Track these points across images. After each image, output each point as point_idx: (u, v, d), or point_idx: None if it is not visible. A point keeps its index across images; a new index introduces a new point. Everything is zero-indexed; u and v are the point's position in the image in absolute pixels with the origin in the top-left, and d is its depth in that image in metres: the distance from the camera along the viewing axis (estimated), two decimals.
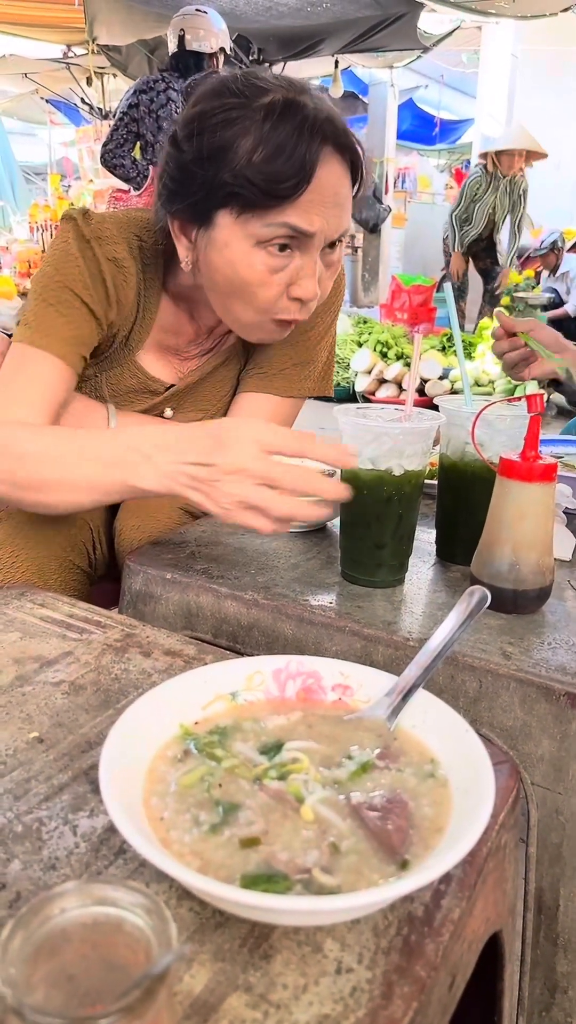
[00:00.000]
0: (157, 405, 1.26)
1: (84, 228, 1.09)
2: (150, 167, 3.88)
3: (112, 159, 4.08)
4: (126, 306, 1.14)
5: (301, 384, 1.29)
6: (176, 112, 3.81)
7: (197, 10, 3.88)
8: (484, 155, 6.79)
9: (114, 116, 4.15)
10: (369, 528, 0.94)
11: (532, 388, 5.97)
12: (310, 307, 1.06)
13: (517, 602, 0.89)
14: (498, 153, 6.49)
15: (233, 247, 1.00)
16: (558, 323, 7.39)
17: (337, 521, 1.01)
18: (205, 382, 1.28)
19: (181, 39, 3.82)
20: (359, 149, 1.03)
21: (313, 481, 0.86)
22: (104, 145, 4.04)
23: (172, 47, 3.89)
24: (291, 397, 1.29)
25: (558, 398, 5.92)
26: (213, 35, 3.84)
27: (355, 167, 1.03)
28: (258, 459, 0.84)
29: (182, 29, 3.81)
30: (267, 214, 0.96)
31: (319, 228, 0.99)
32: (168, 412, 1.28)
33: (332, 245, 1.04)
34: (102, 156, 4.11)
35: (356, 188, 1.05)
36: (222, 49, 3.92)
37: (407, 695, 0.62)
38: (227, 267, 1.02)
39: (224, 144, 0.96)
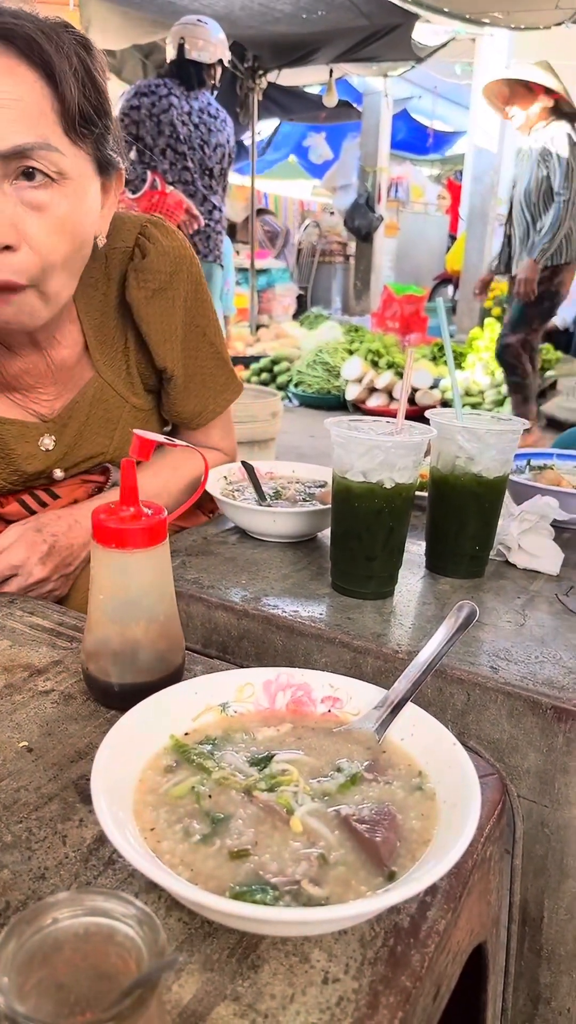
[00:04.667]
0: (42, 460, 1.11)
1: None
2: (148, 171, 3.88)
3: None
4: None
5: (221, 398, 1.27)
6: (177, 118, 3.82)
7: (198, 20, 3.90)
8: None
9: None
10: (359, 540, 0.95)
11: (508, 409, 5.89)
12: (4, 262, 0.85)
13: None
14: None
15: None
16: (549, 335, 7.44)
17: (328, 532, 1.02)
18: (86, 425, 1.14)
19: (181, 48, 3.83)
20: (29, 33, 0.81)
21: None
22: None
23: (171, 54, 3.90)
24: (222, 413, 1.29)
25: (548, 409, 5.95)
26: (213, 46, 3.86)
27: (41, 62, 0.82)
28: None
29: (182, 38, 3.83)
30: None
31: None
32: (58, 473, 1.14)
33: (30, 176, 0.84)
34: None
35: (56, 89, 0.83)
36: (220, 60, 3.94)
37: (396, 708, 0.63)
38: None
39: None
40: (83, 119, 0.87)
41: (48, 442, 1.11)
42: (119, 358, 1.14)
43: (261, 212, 8.46)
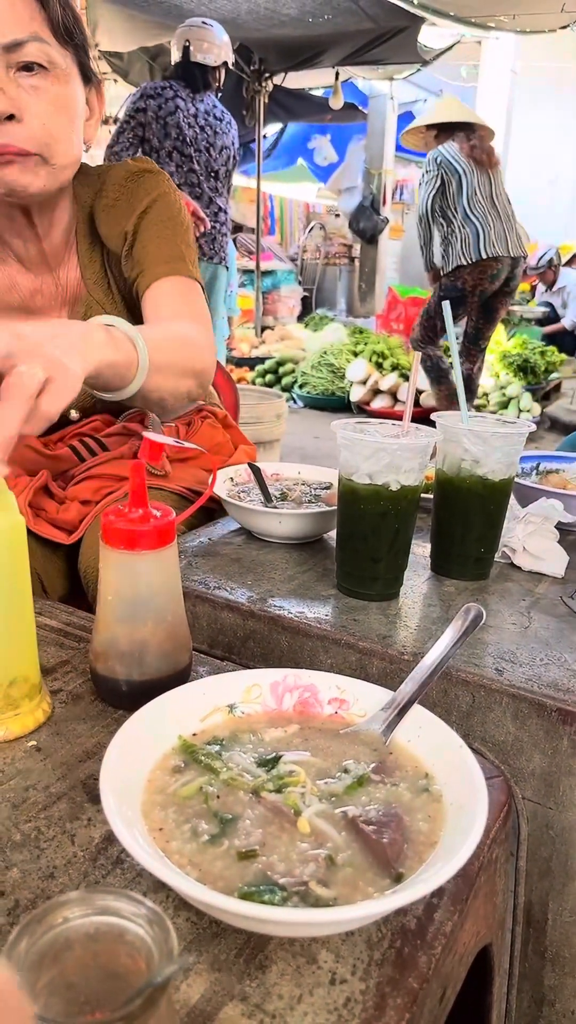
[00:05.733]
0: None
1: None
2: None
3: (117, 162, 4.09)
4: None
5: (164, 266, 1.20)
6: (183, 121, 3.82)
7: (203, 22, 3.90)
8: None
9: (115, 120, 4.14)
10: (365, 542, 0.95)
11: (527, 401, 5.93)
12: (13, 131, 1.01)
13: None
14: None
15: None
16: (553, 337, 7.43)
17: (333, 534, 1.02)
18: None
19: (186, 50, 3.84)
20: None
21: None
22: (109, 147, 4.05)
23: (176, 57, 3.91)
24: (164, 278, 1.21)
25: (552, 411, 5.94)
26: (217, 48, 3.87)
27: None
28: None
29: (187, 40, 3.83)
30: None
31: None
32: None
33: (29, 69, 1.01)
34: (107, 158, 4.12)
35: (43, 4, 1.00)
36: (225, 63, 3.95)
37: (403, 710, 0.63)
38: None
39: None
40: (66, 29, 1.05)
41: None
42: (101, 274, 1.25)
43: (238, 229, 8.37)
